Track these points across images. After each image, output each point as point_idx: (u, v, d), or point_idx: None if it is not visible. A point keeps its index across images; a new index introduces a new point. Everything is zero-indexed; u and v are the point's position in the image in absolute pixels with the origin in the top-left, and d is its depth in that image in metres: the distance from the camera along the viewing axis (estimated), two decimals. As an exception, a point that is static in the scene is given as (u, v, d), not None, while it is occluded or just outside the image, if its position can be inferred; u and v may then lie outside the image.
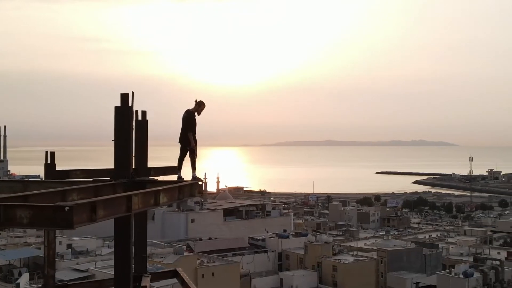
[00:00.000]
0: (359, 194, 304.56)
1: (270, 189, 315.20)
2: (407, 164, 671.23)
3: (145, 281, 14.90)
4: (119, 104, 10.93)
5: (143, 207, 8.89)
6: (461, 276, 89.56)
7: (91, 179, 13.15)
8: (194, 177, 13.16)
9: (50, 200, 8.48)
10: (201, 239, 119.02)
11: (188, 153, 13.80)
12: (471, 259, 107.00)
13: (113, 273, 11.08)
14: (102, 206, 7.30)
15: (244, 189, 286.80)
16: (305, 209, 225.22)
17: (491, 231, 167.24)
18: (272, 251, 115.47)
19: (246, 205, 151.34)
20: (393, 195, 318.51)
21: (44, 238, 16.20)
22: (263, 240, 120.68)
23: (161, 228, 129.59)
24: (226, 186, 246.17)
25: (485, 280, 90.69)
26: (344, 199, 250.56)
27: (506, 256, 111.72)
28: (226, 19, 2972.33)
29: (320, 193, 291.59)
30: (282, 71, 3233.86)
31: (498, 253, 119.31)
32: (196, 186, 12.21)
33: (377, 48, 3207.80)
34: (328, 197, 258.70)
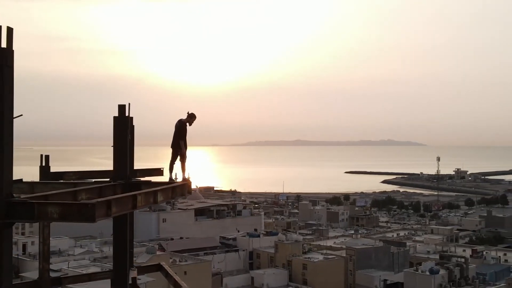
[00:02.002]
0: (329, 193, 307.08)
1: (240, 189, 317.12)
2: (375, 164, 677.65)
3: (133, 273, 16.33)
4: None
5: (145, 205, 10.37)
6: (428, 273, 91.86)
7: (92, 180, 14.53)
8: (184, 179, 14.76)
9: (66, 199, 9.92)
10: (172, 239, 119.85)
11: (179, 157, 15.39)
12: (437, 257, 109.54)
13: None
14: (115, 204, 8.82)
15: (215, 189, 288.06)
16: (275, 208, 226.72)
17: (457, 229, 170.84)
18: (243, 250, 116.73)
19: (217, 205, 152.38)
20: (362, 194, 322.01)
21: (40, 235, 17.52)
22: (234, 239, 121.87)
23: (135, 227, 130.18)
24: (196, 186, 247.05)
25: (450, 277, 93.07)
26: (313, 199, 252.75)
27: (471, 254, 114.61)
28: (196, 19, 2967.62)
29: (290, 193, 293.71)
30: (252, 71, 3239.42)
31: (464, 250, 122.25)
32: (186, 186, 13.78)
33: (347, 49, 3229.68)
34: (298, 197, 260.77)
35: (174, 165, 15.43)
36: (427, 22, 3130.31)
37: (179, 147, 15.39)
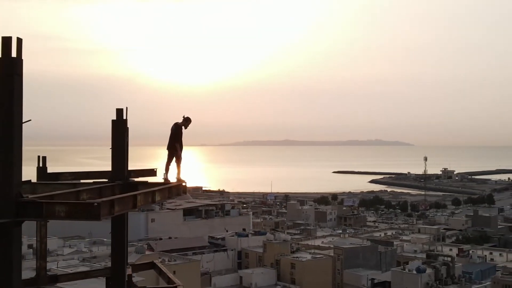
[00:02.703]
0: (317, 193, 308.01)
1: (228, 188, 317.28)
2: (363, 164, 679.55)
3: (127, 271, 16.87)
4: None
5: (144, 204, 10.94)
6: (414, 272, 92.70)
7: (88, 181, 15.06)
8: (179, 179, 15.36)
9: (69, 198, 10.47)
10: (161, 239, 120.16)
11: (174, 158, 16.00)
12: (424, 256, 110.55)
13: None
14: (117, 203, 9.38)
15: (203, 189, 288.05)
16: (263, 208, 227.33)
17: (444, 228, 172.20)
18: (232, 250, 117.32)
19: (205, 205, 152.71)
20: (350, 194, 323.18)
21: (37, 234, 18.04)
22: (223, 239, 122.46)
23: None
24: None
25: (437, 275, 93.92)
26: (301, 198, 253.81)
27: (457, 253, 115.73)
28: (183, 19, 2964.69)
29: (278, 193, 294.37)
30: (240, 70, 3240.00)
31: (450, 250, 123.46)
32: (181, 186, 14.37)
33: (334, 49, 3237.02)
34: (286, 197, 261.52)
35: (170, 166, 16.03)
36: (415, 21, 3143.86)
37: (175, 149, 16.01)
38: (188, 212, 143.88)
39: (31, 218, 8.89)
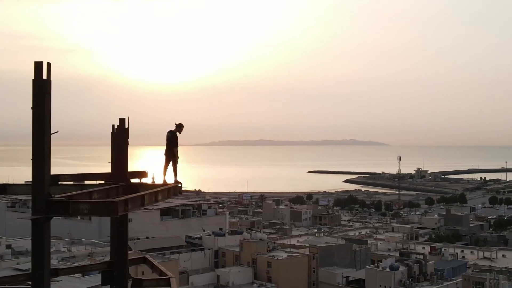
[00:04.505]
0: (292, 193, 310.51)
1: (204, 188, 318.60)
2: (338, 163, 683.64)
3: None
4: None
5: (149, 203, 12.58)
6: (388, 269, 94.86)
7: (96, 182, 16.67)
8: (176, 181, 17.10)
9: (84, 198, 12.07)
10: (138, 238, 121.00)
11: (170, 162, 17.74)
12: (397, 254, 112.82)
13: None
14: (130, 202, 11.07)
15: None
16: (239, 208, 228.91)
17: (418, 227, 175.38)
18: (209, 249, 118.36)
19: (182, 205, 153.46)
20: (325, 193, 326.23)
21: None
22: (200, 238, 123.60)
23: (98, 228, 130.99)
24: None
25: (409, 273, 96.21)
26: (277, 198, 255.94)
27: (429, 251, 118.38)
28: (157, 18, 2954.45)
29: (253, 192, 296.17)
30: (215, 70, 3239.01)
31: (423, 248, 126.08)
32: (178, 187, 16.12)
33: (309, 49, 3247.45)
34: (262, 196, 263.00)
35: (167, 169, 17.77)
36: (389, 22, 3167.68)
37: (172, 154, 17.76)
38: (165, 212, 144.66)
39: (59, 215, 10.53)
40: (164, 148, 18.30)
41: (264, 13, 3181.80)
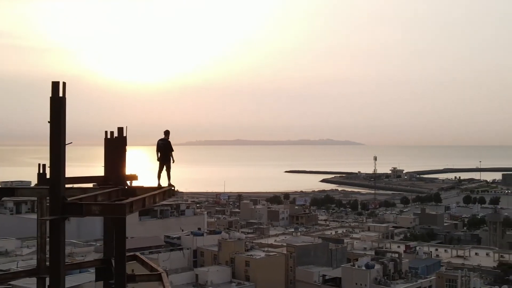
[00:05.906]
0: (269, 192, 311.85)
1: (182, 188, 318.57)
2: (314, 163, 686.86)
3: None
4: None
5: (149, 205, 14.06)
6: (364, 268, 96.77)
7: (90, 185, 18.09)
8: (170, 184, 18.62)
9: (90, 200, 13.49)
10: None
11: (164, 167, 19.26)
12: (373, 252, 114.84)
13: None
14: (135, 204, 12.55)
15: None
16: (216, 208, 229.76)
17: (393, 226, 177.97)
18: (187, 249, 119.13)
19: (160, 205, 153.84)
20: (302, 193, 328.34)
21: (37, 230, 20.98)
22: (179, 238, 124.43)
23: (77, 228, 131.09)
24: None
25: (385, 271, 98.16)
26: (254, 198, 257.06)
27: (404, 249, 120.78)
28: (134, 17, 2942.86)
29: (231, 192, 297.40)
30: (190, 69, 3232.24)
31: (398, 246, 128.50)
32: (172, 190, 17.64)
33: (285, 49, 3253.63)
34: (239, 196, 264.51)
35: (161, 174, 19.28)
36: (367, 22, 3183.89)
37: (168, 159, 19.29)
38: (144, 212, 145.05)
39: (74, 215, 11.97)
40: (155, 155, 19.67)
41: (241, 13, 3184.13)
